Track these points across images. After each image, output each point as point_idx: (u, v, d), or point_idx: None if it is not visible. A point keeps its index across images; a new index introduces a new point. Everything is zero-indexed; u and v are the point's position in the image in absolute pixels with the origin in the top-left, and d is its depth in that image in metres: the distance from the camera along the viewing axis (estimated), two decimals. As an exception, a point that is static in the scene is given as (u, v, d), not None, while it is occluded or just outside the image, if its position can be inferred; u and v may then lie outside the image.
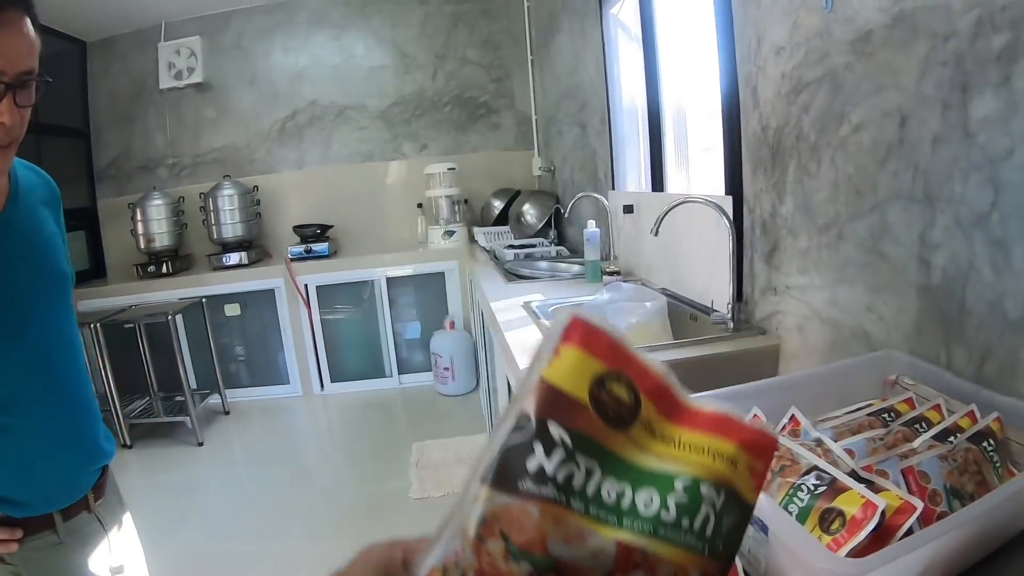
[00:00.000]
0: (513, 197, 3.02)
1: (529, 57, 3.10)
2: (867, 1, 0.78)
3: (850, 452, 0.56)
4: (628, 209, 1.80)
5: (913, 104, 0.71)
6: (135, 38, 3.35)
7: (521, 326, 1.40)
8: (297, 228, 3.17)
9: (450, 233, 3.01)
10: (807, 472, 0.52)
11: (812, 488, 0.50)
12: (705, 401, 0.25)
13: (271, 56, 3.31)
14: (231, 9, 3.27)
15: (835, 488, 0.49)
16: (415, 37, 3.27)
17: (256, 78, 3.32)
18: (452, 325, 2.94)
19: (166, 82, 3.30)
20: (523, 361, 1.12)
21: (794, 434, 0.61)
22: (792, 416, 0.63)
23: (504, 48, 3.26)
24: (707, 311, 1.30)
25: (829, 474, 0.50)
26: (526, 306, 1.52)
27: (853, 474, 0.51)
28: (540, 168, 3.00)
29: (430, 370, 2.99)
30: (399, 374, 3.12)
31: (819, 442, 0.56)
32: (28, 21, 0.67)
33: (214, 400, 3.04)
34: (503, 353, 1.43)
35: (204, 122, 3.36)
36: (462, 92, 3.29)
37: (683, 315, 1.40)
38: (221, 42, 3.31)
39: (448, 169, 3.02)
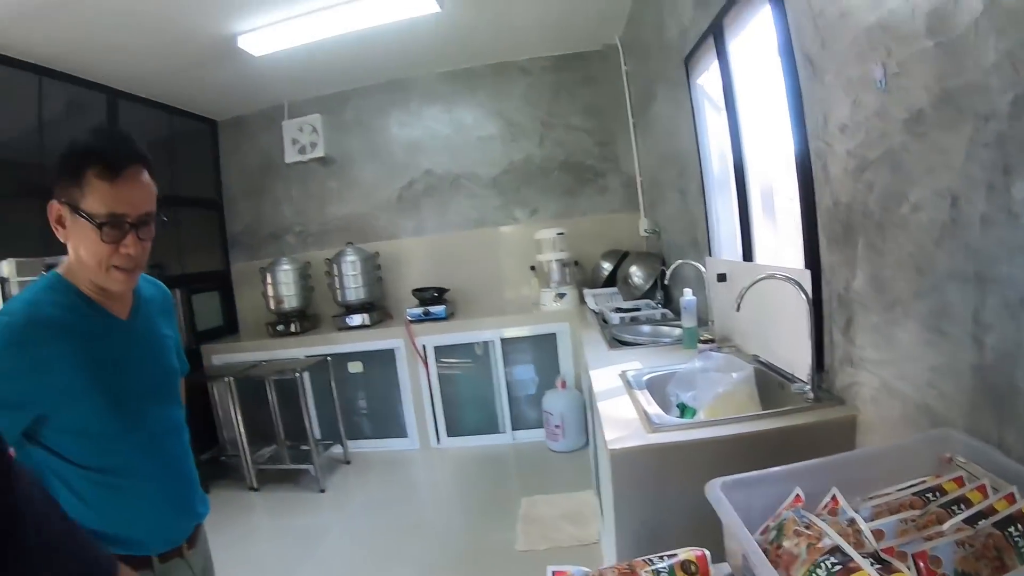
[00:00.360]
0: (621, 258, 3.15)
1: (631, 120, 3.25)
2: (916, 79, 0.78)
3: (880, 533, 0.57)
4: (721, 277, 1.83)
5: (962, 184, 0.72)
6: (261, 117, 3.75)
7: (616, 396, 1.44)
8: (416, 291, 3.41)
9: (561, 295, 3.16)
10: (829, 552, 0.54)
11: (830, 567, 0.53)
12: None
13: (387, 130, 3.61)
14: (348, 88, 3.61)
15: (847, 568, 0.51)
16: (520, 107, 3.49)
17: (375, 151, 3.63)
18: (563, 384, 3.06)
19: (291, 156, 3.67)
20: (611, 432, 1.18)
21: (832, 512, 0.65)
22: (833, 495, 0.66)
23: (606, 113, 3.41)
24: (792, 380, 1.32)
25: (847, 555, 0.53)
26: (623, 375, 1.58)
27: (874, 555, 0.53)
28: (646, 230, 3.12)
29: (542, 426, 3.12)
30: (512, 430, 3.27)
31: (851, 522, 0.59)
32: (146, 172, 0.85)
33: (336, 450, 3.29)
34: (597, 422, 1.48)
35: (328, 193, 3.70)
36: (568, 157, 3.47)
37: (772, 383, 1.42)
38: (341, 119, 3.65)
39: (557, 234, 3.19)
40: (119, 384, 0.86)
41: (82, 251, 0.84)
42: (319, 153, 3.60)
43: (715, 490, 0.70)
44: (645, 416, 1.23)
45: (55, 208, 0.84)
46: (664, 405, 1.37)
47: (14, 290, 2.18)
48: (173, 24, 2.44)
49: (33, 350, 0.78)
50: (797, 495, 0.68)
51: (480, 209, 3.55)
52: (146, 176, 0.86)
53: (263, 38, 2.63)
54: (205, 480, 2.89)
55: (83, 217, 0.81)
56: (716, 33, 1.72)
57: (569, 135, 3.45)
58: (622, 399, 1.40)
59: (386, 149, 3.61)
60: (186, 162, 3.69)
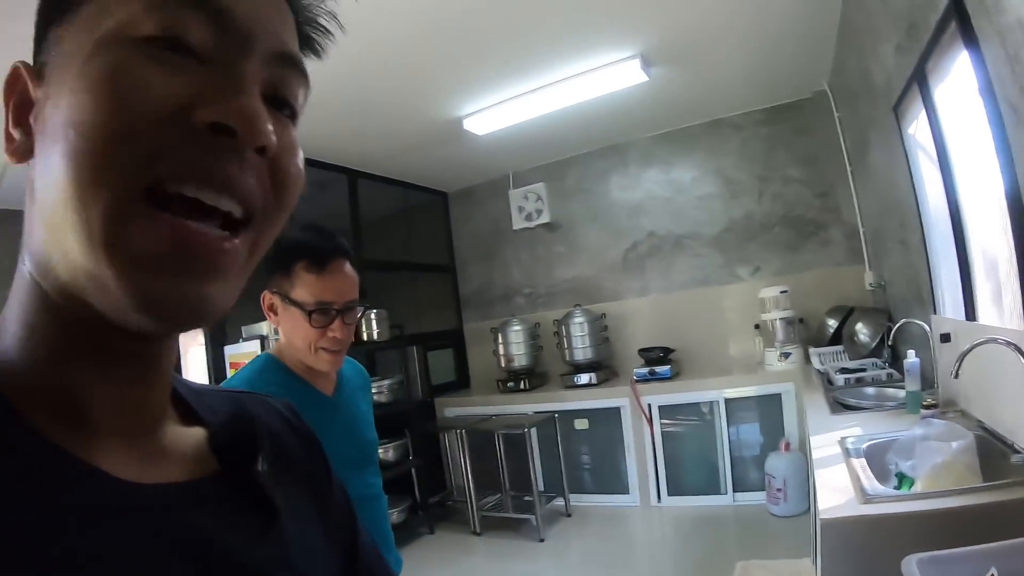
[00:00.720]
0: (847, 315, 4.66)
1: (848, 168, 4.76)
2: None
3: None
4: (945, 338, 2.52)
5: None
6: (489, 187, 6.35)
7: (833, 463, 2.03)
8: (642, 351, 5.40)
9: (786, 355, 4.88)
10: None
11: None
12: None
13: (609, 194, 5.85)
14: (569, 156, 5.96)
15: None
16: (736, 163, 5.37)
17: (598, 215, 5.88)
18: (787, 447, 4.62)
19: (518, 223, 6.13)
20: (824, 501, 1.72)
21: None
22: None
23: (823, 162, 5.02)
24: (1015, 450, 1.80)
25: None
26: (841, 442, 2.22)
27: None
28: (871, 283, 4.59)
29: (764, 489, 4.70)
30: (734, 491, 4.94)
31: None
32: (348, 264, 1.55)
33: (558, 502, 5.29)
34: (813, 488, 2.11)
35: (555, 256, 6.07)
36: (788, 211, 5.20)
37: (995, 452, 1.91)
38: (563, 185, 6.01)
39: (781, 292, 4.90)
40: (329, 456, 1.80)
41: (293, 335, 1.52)
42: (545, 219, 6.00)
43: (910, 566, 1.04)
44: (859, 486, 1.74)
45: (267, 298, 1.54)
46: (883, 474, 1.95)
47: (272, 347, 4.57)
48: (406, 112, 4.59)
49: None
50: (992, 574, 0.98)
51: (703, 268, 5.49)
52: (349, 267, 1.55)
53: (486, 119, 4.78)
54: (431, 522, 5.39)
55: (294, 305, 1.47)
56: (920, 80, 2.46)
57: (787, 188, 5.20)
58: (839, 467, 1.97)
59: (608, 213, 5.84)
60: (421, 231, 6.44)
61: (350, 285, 1.56)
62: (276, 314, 1.57)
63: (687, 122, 5.51)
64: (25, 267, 0.44)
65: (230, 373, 4.43)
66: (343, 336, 1.54)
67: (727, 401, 5.00)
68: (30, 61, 0.45)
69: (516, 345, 5.90)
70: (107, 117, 0.38)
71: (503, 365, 5.97)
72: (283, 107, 0.48)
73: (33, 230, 0.43)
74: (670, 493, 5.21)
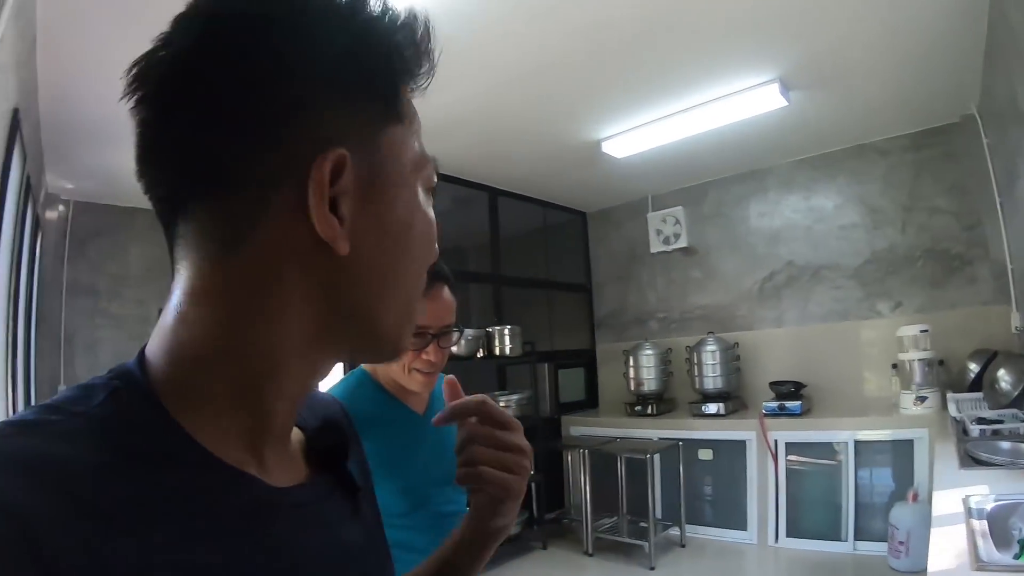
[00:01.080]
0: (990, 359, 4.35)
1: (997, 199, 4.41)
2: None
3: None
4: None
5: None
6: (627, 209, 6.51)
7: (953, 523, 1.98)
8: (773, 384, 5.31)
9: (922, 399, 4.64)
10: None
11: None
12: None
13: (747, 221, 5.82)
14: (707, 180, 6.00)
15: None
16: (880, 190, 5.18)
17: (735, 242, 5.87)
18: (915, 497, 4.34)
19: (656, 247, 6.24)
20: (936, 563, 1.70)
21: None
22: None
23: (971, 192, 4.72)
24: None
25: None
26: (965, 500, 2.14)
27: None
28: (1017, 327, 4.21)
29: (886, 540, 4.45)
30: (855, 539, 4.74)
31: None
32: (447, 290, 1.63)
33: (673, 531, 5.33)
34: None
35: (691, 282, 6.12)
36: (934, 245, 4.93)
37: None
38: (701, 210, 6.05)
39: (921, 331, 4.67)
40: (410, 469, 1.59)
41: None
42: (682, 243, 6.06)
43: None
44: (975, 550, 1.71)
45: None
46: (1005, 539, 1.90)
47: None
48: (546, 136, 4.93)
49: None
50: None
51: (842, 301, 5.32)
52: (447, 293, 1.64)
53: (624, 142, 4.97)
54: (545, 538, 5.58)
55: None
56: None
57: (933, 219, 4.93)
58: (959, 527, 1.91)
59: (746, 239, 5.81)
60: (559, 249, 6.70)
61: (447, 310, 1.67)
62: None
63: (829, 147, 5.41)
64: (296, 303, 0.56)
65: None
66: (437, 359, 1.65)
67: (857, 443, 4.85)
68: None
69: (647, 369, 6.01)
70: (432, 244, 0.61)
71: (632, 388, 6.09)
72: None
73: (333, 289, 0.56)
74: (788, 534, 5.09)
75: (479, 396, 0.81)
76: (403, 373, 1.66)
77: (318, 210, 0.51)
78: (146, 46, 0.52)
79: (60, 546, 0.38)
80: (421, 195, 0.59)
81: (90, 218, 6.22)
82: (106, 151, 5.03)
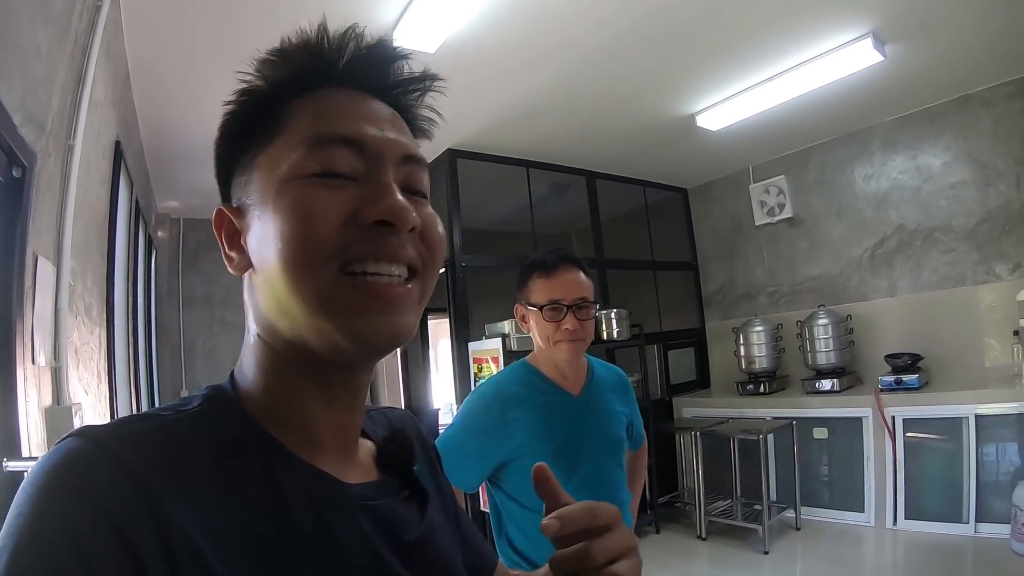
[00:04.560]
0: None
1: None
2: None
3: None
4: None
5: None
6: (727, 182, 6.82)
7: None
8: (888, 357, 5.51)
9: None
10: None
11: None
12: None
13: (853, 186, 6.01)
14: (808, 146, 6.21)
15: None
16: (990, 144, 5.22)
17: (841, 208, 6.07)
18: None
19: (760, 219, 6.51)
20: None
21: None
22: None
23: None
24: None
25: None
26: None
27: None
28: None
29: (1008, 522, 4.57)
30: (976, 521, 4.87)
31: None
32: (577, 271, 2.02)
33: (788, 514, 5.61)
34: None
35: (798, 254, 6.37)
36: None
37: None
38: (804, 178, 6.28)
39: None
40: (563, 441, 1.94)
41: (538, 336, 2.01)
42: (787, 214, 6.31)
43: None
44: None
45: (518, 310, 2.09)
46: None
47: (513, 344, 5.15)
48: (638, 114, 5.18)
49: (499, 415, 1.92)
50: None
51: (957, 266, 5.44)
52: (577, 273, 2.01)
53: (718, 114, 5.25)
54: (658, 522, 5.98)
55: (533, 308, 1.99)
56: None
57: None
58: None
59: (853, 206, 6.00)
60: (661, 228, 7.06)
61: (578, 285, 2.01)
62: (525, 322, 2.10)
63: (931, 101, 5.50)
64: (252, 333, 0.72)
65: (473, 367, 5.53)
66: (575, 328, 1.97)
67: (978, 417, 4.97)
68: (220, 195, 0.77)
69: (757, 347, 6.37)
70: (305, 228, 0.63)
71: (743, 367, 6.46)
72: (416, 193, 0.72)
73: (258, 309, 0.70)
74: (907, 516, 5.30)
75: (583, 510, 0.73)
76: (548, 346, 2.02)
77: (222, 252, 0.73)
78: (227, 76, 0.80)
79: (165, 499, 0.54)
80: (302, 187, 0.66)
81: (199, 234, 7.17)
82: (204, 171, 5.73)
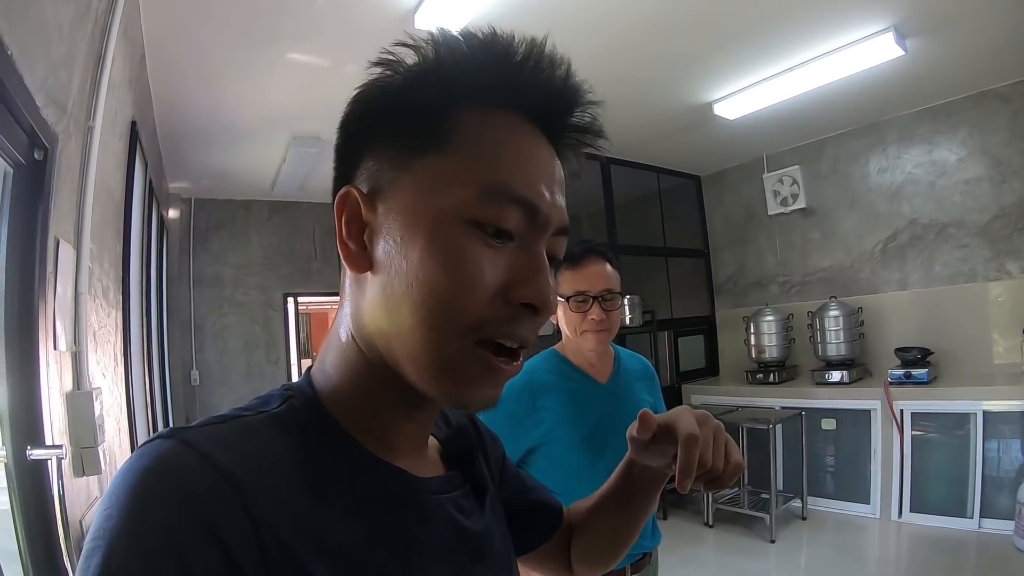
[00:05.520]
0: None
1: None
2: None
3: None
4: None
5: None
6: (741, 171, 6.83)
7: None
8: (899, 351, 5.53)
9: None
10: None
11: None
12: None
13: (867, 178, 6.01)
14: (823, 137, 6.21)
15: None
16: (1006, 140, 5.21)
17: (855, 200, 6.08)
18: None
19: (773, 208, 6.53)
20: None
21: None
22: None
23: None
24: None
25: None
26: None
27: None
28: None
29: (1013, 518, 4.60)
30: (980, 516, 4.91)
31: None
32: (603, 263, 2.11)
33: (795, 504, 5.69)
34: None
35: (810, 244, 6.39)
36: None
37: None
38: (819, 169, 6.28)
39: None
40: (591, 427, 2.01)
41: (565, 326, 2.09)
42: (800, 204, 6.33)
43: None
44: None
45: None
46: None
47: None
48: (656, 101, 5.25)
49: (529, 401, 1.99)
50: None
51: (969, 261, 5.45)
52: (603, 264, 2.08)
53: (736, 103, 5.25)
54: (665, 507, 6.03)
55: (560, 299, 2.01)
56: None
57: None
58: None
59: (866, 198, 6.01)
60: (674, 215, 7.09)
61: (604, 277, 2.08)
62: (556, 315, 2.13)
63: (949, 96, 5.49)
64: (346, 333, 0.71)
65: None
66: (600, 318, 2.04)
67: (985, 413, 5.01)
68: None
69: (768, 336, 6.41)
70: (458, 292, 0.61)
71: (753, 356, 6.51)
72: (552, 261, 0.70)
73: (362, 319, 0.68)
74: (912, 509, 5.36)
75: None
76: (575, 336, 2.09)
77: (337, 235, 0.68)
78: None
79: (258, 501, 0.55)
80: (461, 232, 0.62)
81: (209, 213, 7.21)
82: (216, 152, 5.88)
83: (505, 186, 0.63)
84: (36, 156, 1.88)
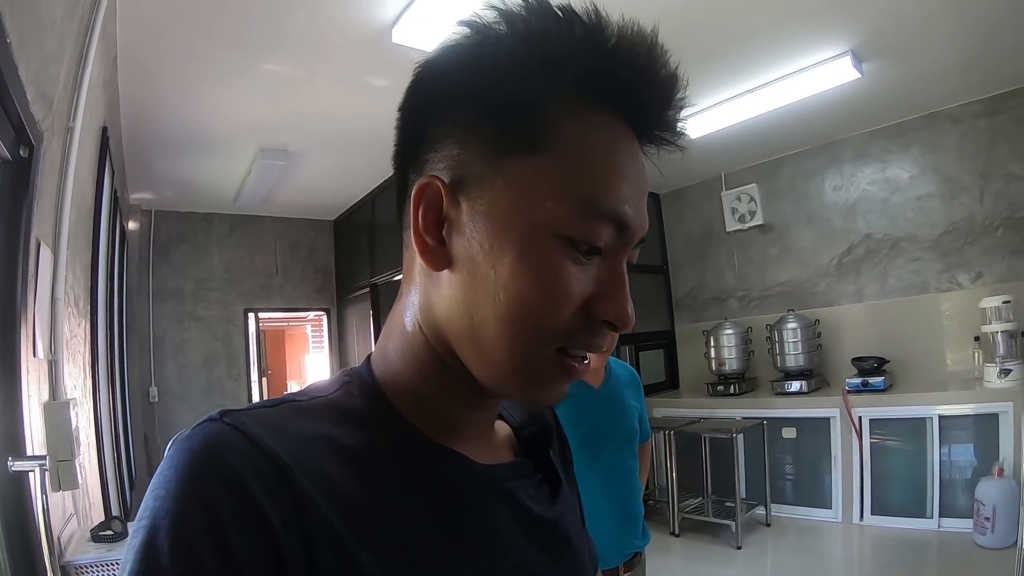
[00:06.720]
0: None
1: None
2: None
3: None
4: None
5: None
6: (701, 188, 7.04)
7: None
8: (855, 360, 5.76)
9: (1006, 371, 4.96)
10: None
11: None
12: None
13: (823, 195, 6.28)
14: (781, 156, 6.46)
15: None
16: (956, 159, 5.51)
17: (811, 216, 6.33)
18: (1000, 472, 4.70)
19: (731, 225, 6.74)
20: None
21: None
22: None
23: None
24: None
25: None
26: None
27: None
28: None
29: (971, 516, 4.82)
30: (939, 516, 5.14)
31: None
32: None
33: (759, 511, 5.83)
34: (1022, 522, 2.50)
35: (768, 259, 6.61)
36: (1012, 212, 5.25)
37: None
38: (776, 186, 6.53)
39: (1003, 302, 4.99)
40: (587, 431, 2.17)
41: None
42: (758, 221, 6.55)
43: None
44: None
45: None
46: None
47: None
48: None
49: None
50: None
51: (922, 274, 5.73)
52: None
53: (697, 122, 5.33)
54: None
55: None
56: None
57: (1011, 186, 5.25)
58: None
59: (822, 215, 6.27)
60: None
61: None
62: None
63: (902, 116, 5.78)
64: (413, 322, 0.68)
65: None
66: (609, 347, 2.45)
67: (940, 418, 5.23)
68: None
69: (727, 349, 6.59)
70: (547, 305, 0.60)
71: (713, 368, 6.68)
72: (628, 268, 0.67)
73: (433, 312, 0.66)
74: (873, 512, 5.55)
75: None
76: None
77: (413, 225, 0.64)
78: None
79: (304, 482, 0.54)
80: (554, 248, 0.60)
81: (171, 226, 7.09)
82: (181, 161, 5.78)
83: (602, 202, 0.60)
84: (22, 153, 1.82)
